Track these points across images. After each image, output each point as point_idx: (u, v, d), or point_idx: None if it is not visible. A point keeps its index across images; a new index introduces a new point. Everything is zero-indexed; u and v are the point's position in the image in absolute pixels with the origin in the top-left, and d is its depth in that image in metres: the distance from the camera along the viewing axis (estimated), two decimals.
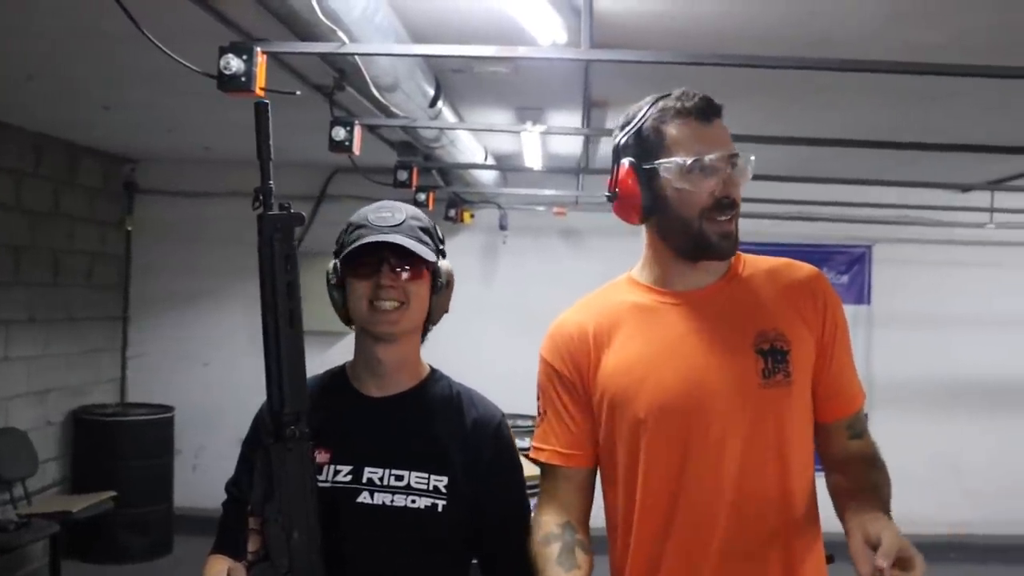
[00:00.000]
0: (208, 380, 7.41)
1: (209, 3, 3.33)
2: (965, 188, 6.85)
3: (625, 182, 1.84)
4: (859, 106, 4.78)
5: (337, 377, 1.96)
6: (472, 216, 7.44)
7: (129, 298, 7.52)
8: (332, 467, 1.82)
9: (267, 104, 1.61)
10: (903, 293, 7.54)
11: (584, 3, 2.83)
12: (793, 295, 1.87)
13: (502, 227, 7.41)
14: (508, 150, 6.37)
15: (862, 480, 1.80)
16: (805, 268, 1.92)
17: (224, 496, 1.96)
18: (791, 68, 3.23)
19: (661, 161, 1.79)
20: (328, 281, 1.89)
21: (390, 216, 1.86)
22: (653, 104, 1.83)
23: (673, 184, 1.79)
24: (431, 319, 1.93)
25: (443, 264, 1.91)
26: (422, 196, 5.82)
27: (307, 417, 1.64)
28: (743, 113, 4.84)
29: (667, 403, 1.80)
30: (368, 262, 1.83)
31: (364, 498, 1.81)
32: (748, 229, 6.48)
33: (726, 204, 1.79)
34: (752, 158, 1.81)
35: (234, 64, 2.61)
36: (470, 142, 5.47)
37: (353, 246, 1.83)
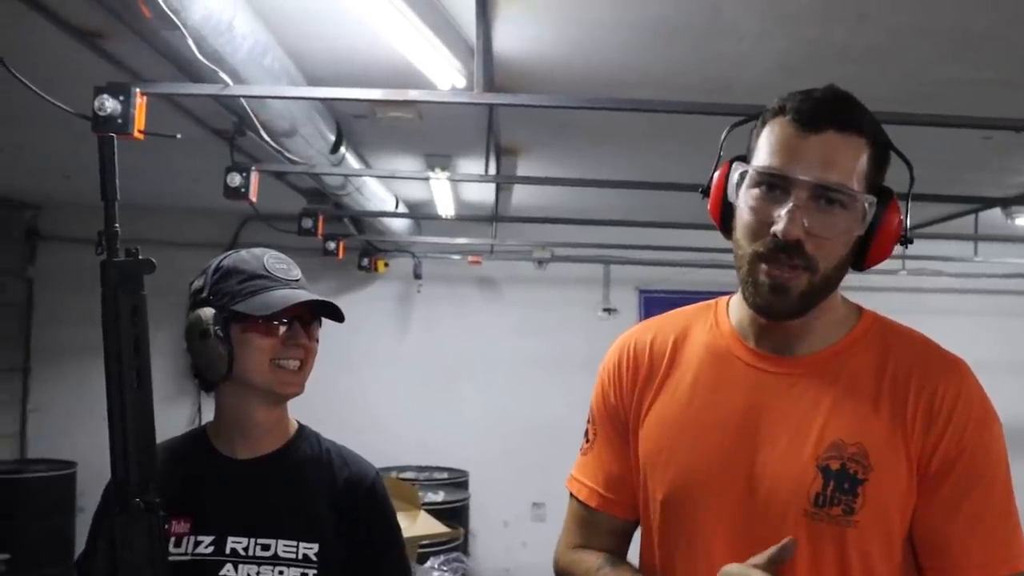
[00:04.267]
0: None
1: (99, 45, 3.24)
2: None
3: (719, 179, 1.45)
4: None
5: (198, 439, 1.84)
6: (386, 265, 7.35)
7: (30, 349, 7.25)
8: (192, 538, 1.70)
9: (112, 138, 1.51)
10: None
11: (478, 46, 2.79)
12: (908, 400, 1.37)
13: (417, 276, 7.33)
14: (420, 198, 6.30)
15: None
16: (941, 369, 1.40)
17: None
18: (688, 112, 3.22)
19: (734, 160, 1.42)
20: (210, 334, 1.72)
21: (287, 269, 1.79)
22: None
23: (737, 198, 1.40)
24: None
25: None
26: (332, 245, 5.71)
27: (156, 486, 1.51)
28: (650, 159, 4.87)
29: (689, 492, 1.43)
30: (278, 318, 1.73)
31: (228, 571, 1.68)
32: (657, 277, 6.53)
33: (782, 247, 1.32)
34: (869, 202, 1.35)
35: (109, 105, 2.50)
36: (379, 189, 5.39)
37: (267, 299, 1.71)
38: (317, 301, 1.76)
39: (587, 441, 1.61)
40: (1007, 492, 1.37)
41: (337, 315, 1.79)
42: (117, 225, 1.51)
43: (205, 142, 4.26)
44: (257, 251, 1.82)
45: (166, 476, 1.69)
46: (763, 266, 1.35)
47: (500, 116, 4.03)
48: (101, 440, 6.28)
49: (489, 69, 3.09)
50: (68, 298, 7.21)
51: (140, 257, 1.51)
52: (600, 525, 1.57)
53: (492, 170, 4.57)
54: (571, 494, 1.62)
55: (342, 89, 2.94)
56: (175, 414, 7.13)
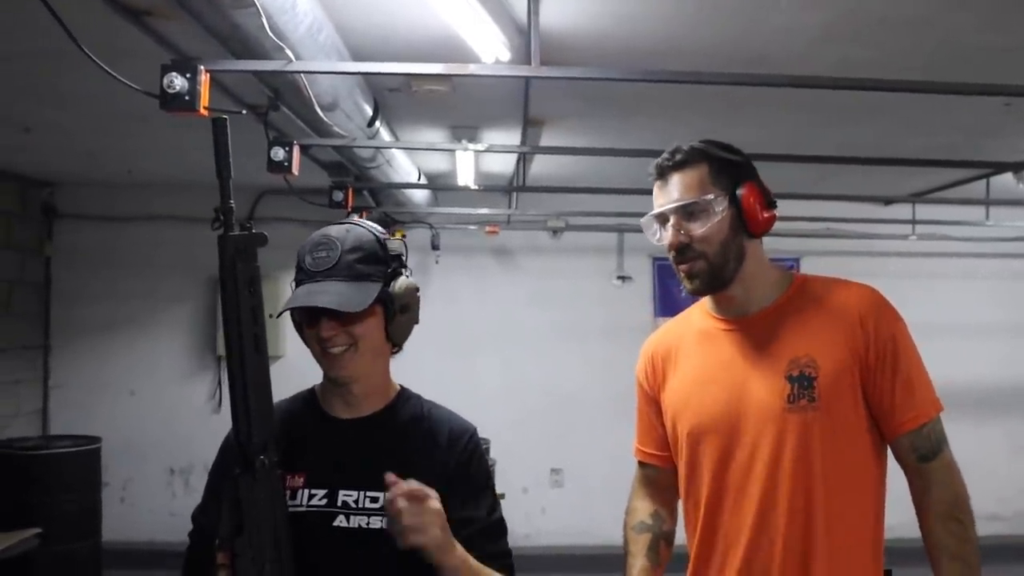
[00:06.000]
0: (135, 409, 7.20)
1: (147, 23, 3.26)
2: (887, 201, 7.03)
3: None
4: (786, 121, 4.86)
5: (307, 400, 1.93)
6: (404, 236, 7.38)
7: (50, 326, 7.28)
8: (307, 491, 1.79)
9: (226, 120, 1.56)
10: None
11: (531, 20, 2.83)
12: (838, 320, 1.96)
13: (434, 247, 7.35)
14: (441, 168, 6.34)
15: (936, 556, 1.93)
16: (854, 293, 2.02)
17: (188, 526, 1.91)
18: (725, 84, 3.28)
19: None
20: (292, 317, 1.85)
21: (326, 257, 1.80)
22: None
23: (653, 238, 2.07)
24: (395, 341, 1.90)
25: (399, 286, 1.85)
26: (355, 217, 5.74)
27: (276, 445, 1.59)
28: (676, 129, 4.90)
29: (704, 424, 2.03)
30: (308, 312, 1.80)
31: (340, 521, 1.78)
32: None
33: (677, 249, 1.99)
34: (711, 196, 1.96)
35: (178, 83, 2.54)
36: (405, 162, 5.42)
37: (288, 303, 1.80)
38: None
39: (639, 417, 2.26)
40: (918, 359, 1.99)
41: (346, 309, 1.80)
42: (232, 201, 1.55)
43: (230, 117, 4.27)
44: (315, 236, 1.85)
45: (280, 435, 1.78)
46: (678, 267, 2.02)
47: (534, 88, 4.06)
48: (123, 415, 6.42)
49: (537, 42, 3.12)
50: (86, 275, 7.27)
51: (254, 231, 1.55)
52: (654, 473, 2.24)
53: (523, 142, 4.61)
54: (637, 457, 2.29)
55: (403, 64, 2.99)
56: (196, 386, 7.19)
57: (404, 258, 1.90)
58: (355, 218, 1.95)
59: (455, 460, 1.87)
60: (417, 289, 1.90)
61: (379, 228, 1.89)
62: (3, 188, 6.70)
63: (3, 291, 6.73)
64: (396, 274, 1.86)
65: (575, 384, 7.30)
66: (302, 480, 1.79)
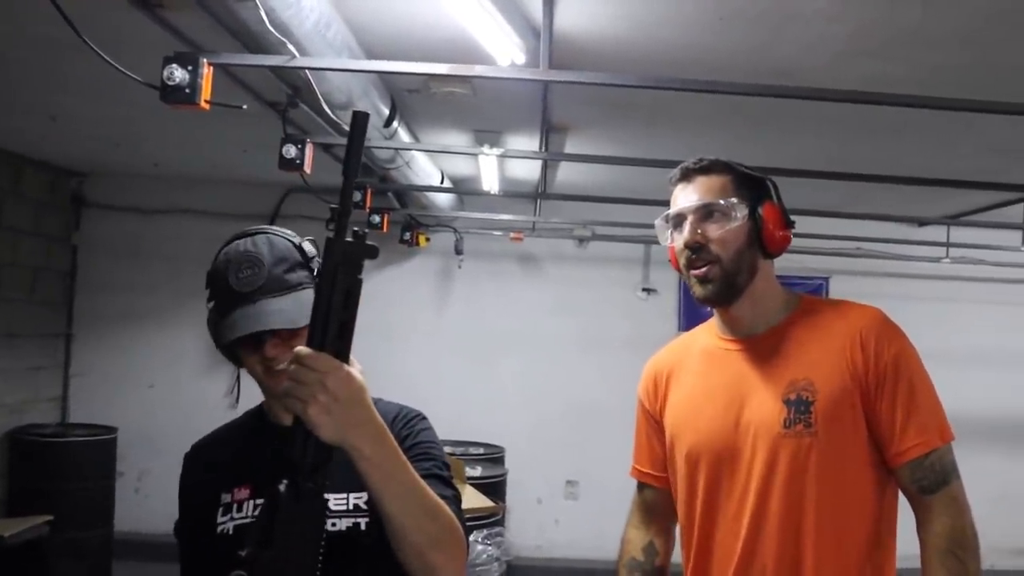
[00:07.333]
0: (153, 401, 7.22)
1: (160, 15, 3.24)
2: (921, 222, 6.89)
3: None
4: (816, 138, 4.77)
5: (255, 414, 1.88)
6: (428, 240, 7.34)
7: (73, 315, 7.31)
8: (252, 502, 1.74)
9: (367, 115, 1.42)
10: None
11: (544, 23, 2.77)
12: (839, 343, 1.90)
13: (458, 251, 7.30)
14: (465, 173, 6.29)
15: None
16: (857, 314, 1.96)
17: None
18: (748, 95, 3.20)
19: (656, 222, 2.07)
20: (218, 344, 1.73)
21: (253, 275, 1.69)
22: None
23: (666, 241, 2.04)
24: None
25: None
26: (376, 218, 5.72)
27: (326, 471, 1.46)
28: (701, 140, 4.82)
29: (702, 444, 1.99)
30: (250, 336, 1.68)
31: None
32: None
33: (692, 248, 1.93)
34: (731, 202, 1.94)
35: (178, 75, 2.51)
36: (427, 164, 5.38)
37: (225, 330, 1.68)
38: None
39: (636, 435, 2.22)
40: (926, 383, 1.90)
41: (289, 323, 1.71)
42: (351, 204, 1.43)
43: (255, 114, 4.27)
44: (233, 254, 1.74)
45: (231, 450, 1.82)
46: (690, 271, 1.96)
47: (554, 93, 4.00)
48: (140, 407, 6.37)
49: (547, 45, 3.07)
50: (111, 265, 7.30)
51: (367, 242, 1.41)
52: (648, 500, 2.19)
53: (543, 147, 4.55)
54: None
55: (408, 63, 2.94)
56: (213, 382, 7.19)
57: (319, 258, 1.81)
58: (263, 226, 1.85)
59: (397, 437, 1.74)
60: None
61: (290, 232, 1.81)
62: (33, 176, 6.73)
63: (27, 277, 6.76)
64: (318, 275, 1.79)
65: (595, 395, 7.21)
66: (248, 491, 1.73)
